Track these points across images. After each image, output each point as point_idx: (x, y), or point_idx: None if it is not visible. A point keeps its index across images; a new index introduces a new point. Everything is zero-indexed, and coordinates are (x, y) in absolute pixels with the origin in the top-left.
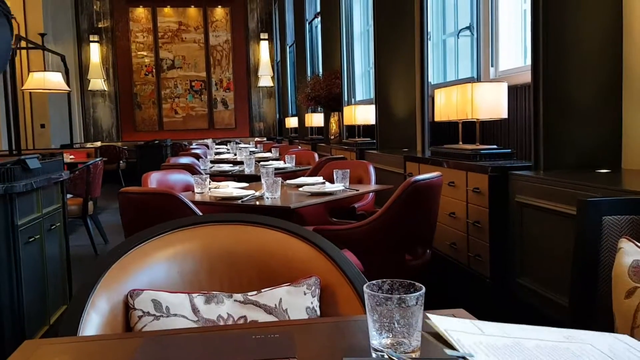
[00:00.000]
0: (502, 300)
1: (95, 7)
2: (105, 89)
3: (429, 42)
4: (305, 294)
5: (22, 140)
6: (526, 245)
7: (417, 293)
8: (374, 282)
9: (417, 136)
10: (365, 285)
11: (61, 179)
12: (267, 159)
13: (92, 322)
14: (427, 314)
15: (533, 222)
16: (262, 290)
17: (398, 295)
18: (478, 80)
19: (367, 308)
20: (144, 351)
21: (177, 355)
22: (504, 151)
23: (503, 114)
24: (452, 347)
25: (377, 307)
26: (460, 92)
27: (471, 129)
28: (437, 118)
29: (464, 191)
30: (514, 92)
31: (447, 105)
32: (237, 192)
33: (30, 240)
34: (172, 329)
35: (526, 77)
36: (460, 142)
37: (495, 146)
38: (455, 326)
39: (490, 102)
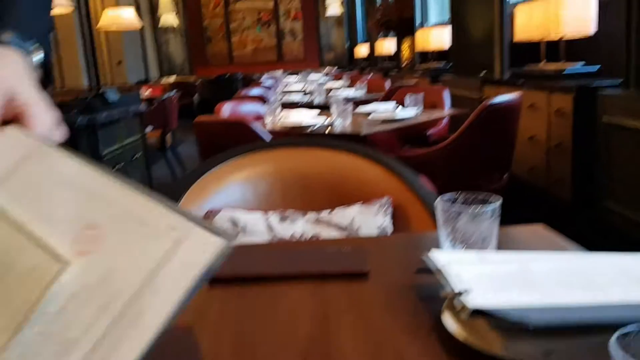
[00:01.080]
0: (585, 225)
1: None
2: (176, 24)
3: None
4: (377, 213)
5: (101, 77)
6: (613, 167)
7: (493, 205)
8: (447, 194)
9: (495, 58)
10: (437, 199)
11: (140, 111)
12: (337, 88)
13: None
14: (431, 252)
15: (622, 143)
16: (335, 209)
17: (472, 208)
18: None
19: (439, 221)
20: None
21: (254, 265)
22: (591, 69)
23: (591, 29)
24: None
25: (450, 220)
26: (543, 7)
27: (555, 48)
28: (517, 38)
29: (546, 113)
30: (603, 5)
31: (529, 23)
32: (307, 120)
33: (114, 169)
34: (250, 244)
35: None
36: (543, 62)
37: (581, 64)
38: (457, 259)
39: (576, 17)
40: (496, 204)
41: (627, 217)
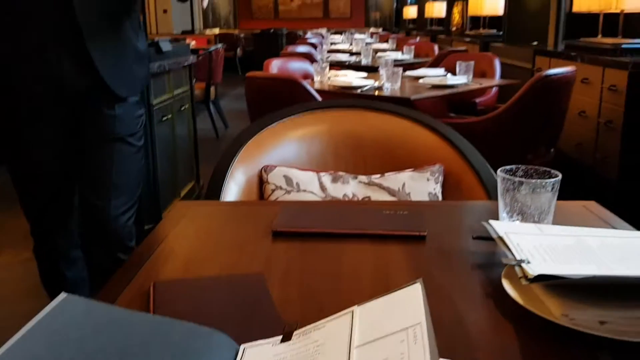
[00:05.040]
0: (632, 203)
1: None
2: None
3: None
4: (428, 179)
5: (147, 25)
6: None
7: (554, 179)
8: (507, 167)
9: (549, 28)
10: (499, 170)
11: (189, 63)
12: (384, 50)
13: (231, 191)
14: (490, 221)
15: None
16: (386, 174)
17: (533, 180)
18: None
19: (500, 192)
20: (284, 216)
21: (314, 221)
22: None
23: None
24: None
25: (510, 191)
26: None
27: (614, 22)
28: (575, 9)
29: (599, 89)
30: None
31: None
32: (356, 82)
33: (164, 119)
34: (306, 201)
35: None
36: (600, 36)
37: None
38: (516, 229)
39: None
40: (557, 178)
41: None
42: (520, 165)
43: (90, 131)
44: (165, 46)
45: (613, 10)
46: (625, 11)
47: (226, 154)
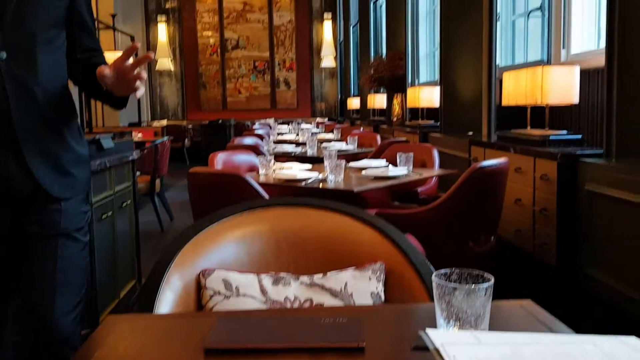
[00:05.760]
0: (568, 290)
1: None
2: (172, 68)
3: (497, 22)
4: (370, 278)
5: (93, 118)
6: (595, 235)
7: (486, 284)
8: (442, 271)
9: (482, 120)
10: (433, 275)
11: (132, 158)
12: (329, 140)
13: (167, 299)
14: (426, 330)
15: (603, 211)
16: (328, 273)
17: (467, 286)
18: (548, 62)
19: (435, 297)
20: (218, 331)
21: (249, 336)
22: (574, 137)
23: (574, 98)
24: None
25: (445, 296)
26: (530, 75)
27: (540, 114)
28: (504, 102)
29: (531, 178)
30: (586, 76)
31: (516, 89)
32: (300, 174)
33: (104, 217)
34: (244, 310)
35: (599, 61)
36: (529, 127)
37: (565, 132)
38: (452, 339)
39: (561, 87)
40: (490, 282)
41: (610, 285)
42: (454, 269)
43: (33, 227)
44: (107, 143)
45: (539, 104)
46: (550, 104)
47: (161, 261)
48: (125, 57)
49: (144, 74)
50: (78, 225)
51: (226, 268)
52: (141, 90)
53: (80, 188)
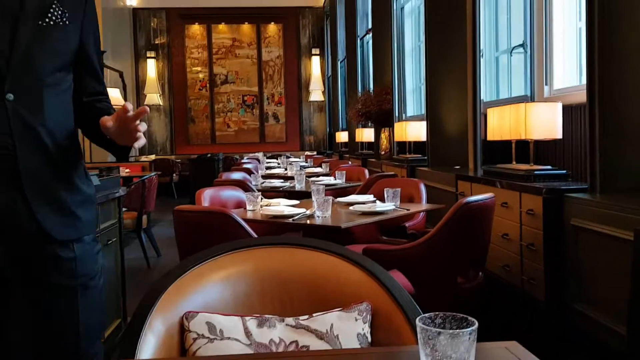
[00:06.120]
0: (557, 326)
1: (152, 24)
2: (161, 103)
3: (481, 59)
4: (356, 320)
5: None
6: (582, 270)
7: (470, 328)
8: (426, 315)
9: (469, 154)
10: (417, 319)
11: (118, 195)
12: (317, 174)
13: (149, 344)
14: None
15: (589, 246)
16: (314, 314)
17: (450, 330)
18: (532, 98)
19: (420, 341)
20: None
21: None
22: (559, 172)
23: (557, 134)
24: None
25: (429, 340)
26: (513, 111)
27: (525, 148)
28: (489, 137)
29: (518, 212)
30: (569, 111)
31: (500, 125)
32: (288, 211)
33: None
34: (228, 355)
35: (582, 97)
36: (514, 162)
37: (549, 167)
38: None
39: (544, 123)
40: (474, 326)
41: (597, 320)
42: (439, 313)
43: (48, 279)
44: (93, 181)
45: (523, 138)
46: (533, 139)
47: (143, 304)
48: (126, 109)
49: (144, 126)
50: (94, 272)
51: (210, 310)
52: (142, 141)
53: (88, 228)
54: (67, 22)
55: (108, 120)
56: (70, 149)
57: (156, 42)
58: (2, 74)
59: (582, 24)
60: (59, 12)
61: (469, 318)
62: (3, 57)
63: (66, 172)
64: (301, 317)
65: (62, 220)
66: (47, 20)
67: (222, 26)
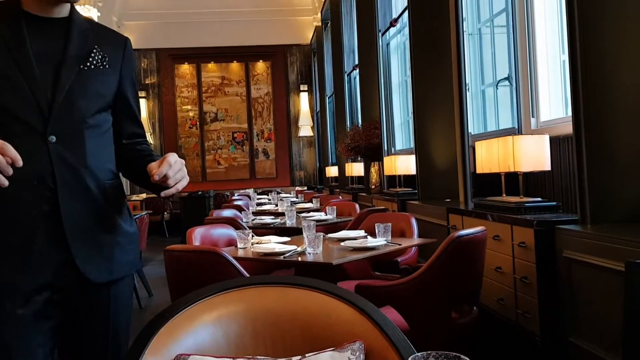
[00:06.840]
0: (552, 357)
1: (142, 64)
2: (152, 142)
3: (467, 92)
4: (349, 359)
5: None
6: (577, 302)
7: None
8: (419, 354)
9: (459, 187)
10: (410, 358)
11: None
12: (308, 210)
13: None
14: None
15: (583, 278)
16: (307, 355)
17: None
18: (519, 130)
19: None
20: None
21: None
22: (549, 204)
23: (546, 166)
24: None
25: None
26: (501, 144)
27: (514, 180)
28: (478, 170)
29: (510, 245)
30: (557, 143)
31: (489, 157)
32: (279, 248)
33: None
34: None
35: (568, 128)
36: (504, 194)
37: (539, 199)
38: None
39: (532, 155)
40: None
41: (592, 353)
42: (431, 352)
43: (83, 325)
44: None
45: (512, 170)
46: (522, 171)
47: (134, 348)
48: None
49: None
50: (129, 313)
51: (202, 352)
52: (183, 183)
53: (120, 272)
54: (107, 66)
55: (154, 168)
56: (112, 190)
57: (147, 82)
58: (45, 117)
59: (566, 57)
60: (100, 57)
61: (462, 357)
62: (46, 101)
63: (108, 212)
64: (294, 358)
65: (103, 264)
66: (88, 64)
67: (211, 65)
